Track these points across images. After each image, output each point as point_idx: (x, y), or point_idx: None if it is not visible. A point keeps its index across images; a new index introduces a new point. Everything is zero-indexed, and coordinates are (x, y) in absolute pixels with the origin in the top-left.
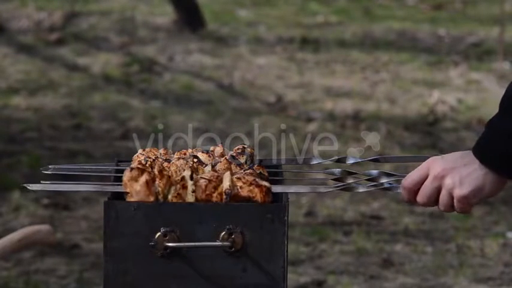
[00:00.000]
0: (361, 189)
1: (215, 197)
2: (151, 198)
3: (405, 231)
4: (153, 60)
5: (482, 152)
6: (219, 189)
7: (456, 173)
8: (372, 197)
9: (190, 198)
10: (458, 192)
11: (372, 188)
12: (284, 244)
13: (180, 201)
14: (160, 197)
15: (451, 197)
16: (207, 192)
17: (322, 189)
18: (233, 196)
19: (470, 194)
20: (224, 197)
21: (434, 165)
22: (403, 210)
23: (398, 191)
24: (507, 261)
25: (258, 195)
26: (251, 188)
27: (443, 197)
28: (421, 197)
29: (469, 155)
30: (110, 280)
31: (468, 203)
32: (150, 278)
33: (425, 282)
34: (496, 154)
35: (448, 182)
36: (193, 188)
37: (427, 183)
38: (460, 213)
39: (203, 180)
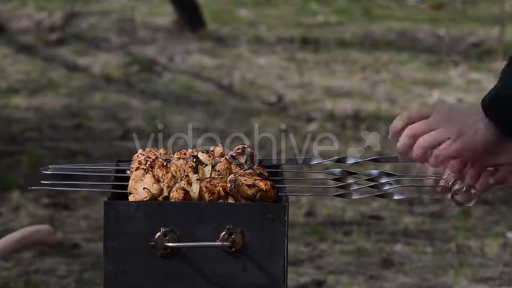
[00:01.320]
0: (356, 196)
1: (219, 189)
2: (158, 195)
3: (405, 231)
4: (153, 60)
5: (488, 105)
6: (223, 182)
7: (457, 126)
8: (372, 197)
9: (195, 189)
10: (455, 186)
11: (370, 195)
12: (284, 244)
13: (183, 197)
14: (165, 192)
15: (449, 151)
16: (212, 183)
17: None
18: (238, 186)
19: (467, 187)
20: (228, 185)
21: (435, 118)
22: (403, 210)
23: (395, 197)
24: (507, 261)
25: (263, 186)
26: (255, 181)
27: (439, 150)
28: (422, 141)
29: (472, 112)
30: (110, 280)
31: (465, 193)
32: (150, 278)
33: (425, 282)
34: (500, 109)
35: (444, 136)
36: (197, 177)
37: (426, 134)
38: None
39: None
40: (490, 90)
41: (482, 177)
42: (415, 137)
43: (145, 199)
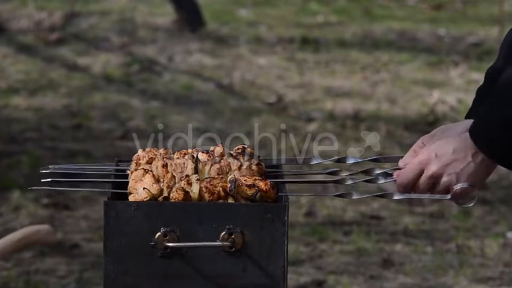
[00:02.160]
0: (356, 196)
1: (219, 189)
2: (158, 196)
3: (405, 231)
4: (153, 60)
5: (479, 139)
6: (223, 182)
7: (452, 170)
8: (372, 197)
9: (195, 189)
10: (456, 187)
11: (370, 195)
12: (284, 244)
13: (183, 197)
14: (165, 192)
15: (448, 190)
16: (212, 183)
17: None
18: (238, 186)
19: (466, 190)
20: (228, 185)
21: (430, 164)
22: (403, 210)
23: (395, 198)
24: (507, 261)
25: (263, 187)
26: (255, 181)
27: (440, 190)
28: (418, 192)
29: (461, 147)
30: (110, 280)
31: (466, 195)
32: (150, 278)
33: (425, 282)
34: (493, 142)
35: (444, 181)
36: (197, 177)
37: (423, 181)
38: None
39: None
40: (477, 116)
41: None
42: (408, 188)
43: (145, 199)
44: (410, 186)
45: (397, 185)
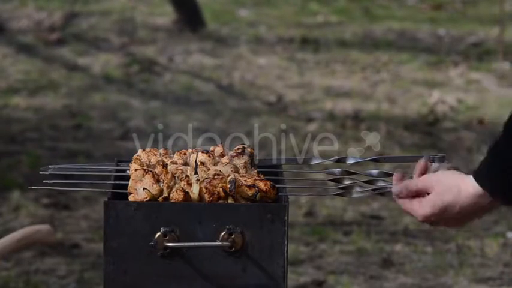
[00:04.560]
0: (356, 195)
1: (219, 189)
2: (158, 196)
3: (405, 231)
4: (153, 60)
5: (485, 180)
6: (223, 183)
7: (456, 224)
8: (372, 197)
9: (195, 190)
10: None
11: (369, 193)
12: (284, 244)
13: (183, 198)
14: (165, 193)
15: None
16: (212, 184)
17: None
18: (238, 187)
19: (462, 226)
20: (229, 186)
21: (435, 221)
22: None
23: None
24: (507, 261)
25: (263, 187)
26: (255, 182)
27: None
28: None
29: (470, 211)
30: (110, 280)
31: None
32: (150, 278)
33: (425, 282)
34: (500, 183)
35: (442, 224)
36: (198, 177)
37: (425, 221)
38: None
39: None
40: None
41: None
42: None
43: (145, 199)
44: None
45: (403, 207)
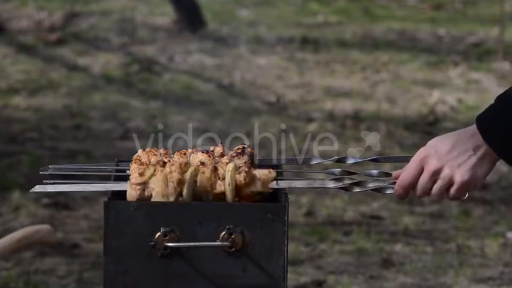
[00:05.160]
0: (357, 190)
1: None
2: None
3: (405, 231)
4: (153, 60)
5: (486, 126)
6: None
7: (453, 164)
8: (372, 197)
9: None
10: (457, 182)
11: (369, 189)
12: (284, 244)
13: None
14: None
15: (448, 187)
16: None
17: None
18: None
19: (468, 182)
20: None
21: (429, 160)
22: (403, 210)
23: (389, 192)
24: (507, 261)
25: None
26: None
27: (439, 187)
28: (419, 191)
29: (461, 142)
30: (110, 280)
31: (466, 190)
32: (150, 278)
33: (425, 282)
34: (500, 129)
35: (445, 174)
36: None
37: (424, 178)
38: (453, 200)
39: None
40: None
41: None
42: (409, 188)
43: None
44: (411, 186)
45: (397, 186)
